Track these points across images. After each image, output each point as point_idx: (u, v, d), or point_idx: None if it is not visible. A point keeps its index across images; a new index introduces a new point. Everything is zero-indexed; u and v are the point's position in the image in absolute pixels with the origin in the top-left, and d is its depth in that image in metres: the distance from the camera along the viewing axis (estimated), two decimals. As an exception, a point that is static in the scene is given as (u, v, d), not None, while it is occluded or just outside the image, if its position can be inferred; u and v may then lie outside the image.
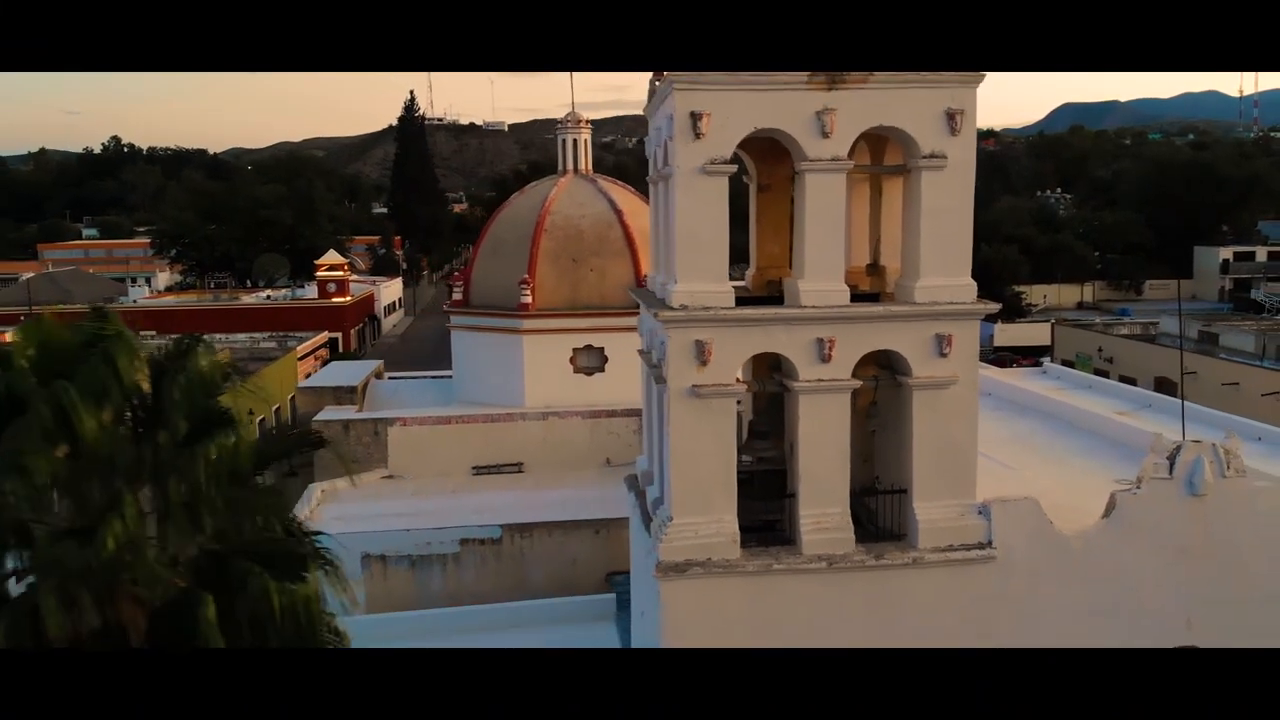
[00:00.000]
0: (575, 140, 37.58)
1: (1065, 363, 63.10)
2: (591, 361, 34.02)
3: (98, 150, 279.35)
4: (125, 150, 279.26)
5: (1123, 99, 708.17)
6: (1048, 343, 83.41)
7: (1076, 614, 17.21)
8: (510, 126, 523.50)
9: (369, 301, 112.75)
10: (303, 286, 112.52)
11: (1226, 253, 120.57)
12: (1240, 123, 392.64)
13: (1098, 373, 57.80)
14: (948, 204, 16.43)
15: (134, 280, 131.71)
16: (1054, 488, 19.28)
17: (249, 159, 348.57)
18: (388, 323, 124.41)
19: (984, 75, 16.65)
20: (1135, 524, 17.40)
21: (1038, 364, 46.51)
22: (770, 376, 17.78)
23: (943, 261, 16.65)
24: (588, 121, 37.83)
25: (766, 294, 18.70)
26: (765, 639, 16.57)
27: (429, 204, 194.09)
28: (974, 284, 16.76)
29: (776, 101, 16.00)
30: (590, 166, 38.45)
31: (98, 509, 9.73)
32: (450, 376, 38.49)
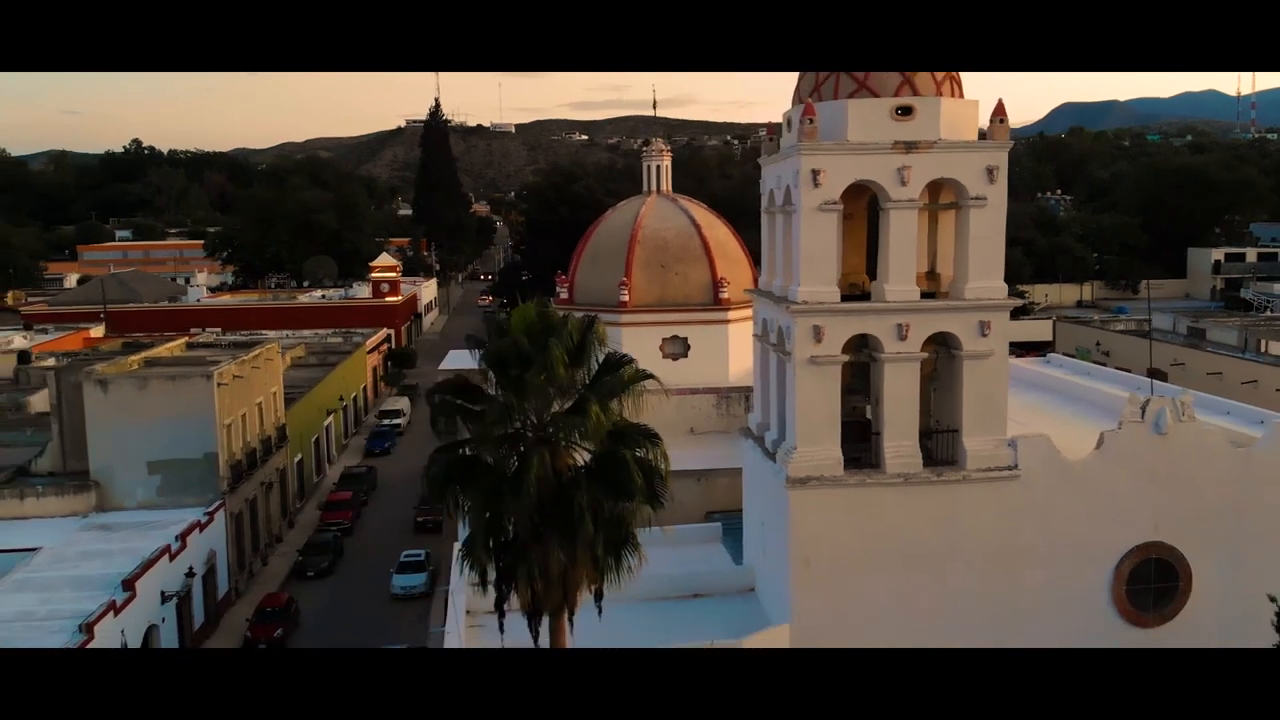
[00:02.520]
0: (658, 166, 45.12)
1: (1066, 355, 70.21)
2: (677, 349, 41.28)
3: (119, 151, 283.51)
4: (146, 152, 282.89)
5: (1122, 99, 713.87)
6: (1049, 338, 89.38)
7: (1075, 516, 24.67)
8: (517, 127, 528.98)
9: (414, 301, 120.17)
10: (350, 287, 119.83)
11: (1218, 254, 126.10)
12: (1238, 123, 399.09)
13: (1095, 364, 64.88)
14: (987, 231, 23.91)
15: (184, 280, 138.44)
16: (1059, 434, 26.64)
17: (256, 159, 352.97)
18: (426, 320, 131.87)
19: (1011, 143, 24.07)
20: (1117, 454, 24.88)
21: (1043, 356, 53.56)
22: (859, 351, 25.16)
23: (983, 270, 24.12)
24: (668, 149, 45.22)
25: (850, 293, 26.04)
26: (859, 533, 24.02)
27: (453, 207, 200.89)
28: (1005, 286, 24.25)
29: (871, 161, 23.45)
30: (670, 187, 45.92)
31: (572, 406, 17.15)
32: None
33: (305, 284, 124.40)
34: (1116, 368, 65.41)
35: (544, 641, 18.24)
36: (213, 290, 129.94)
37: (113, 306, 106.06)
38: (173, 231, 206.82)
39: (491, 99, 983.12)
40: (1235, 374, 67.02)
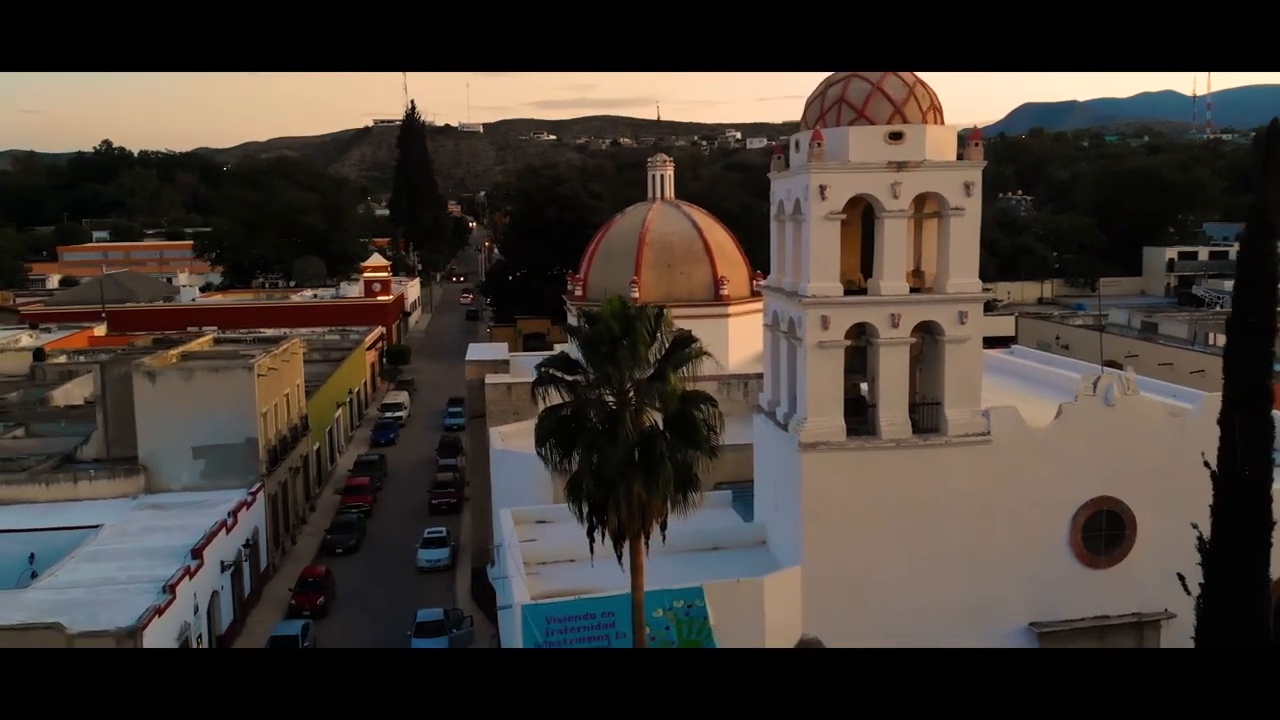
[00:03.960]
0: (662, 175, 49.80)
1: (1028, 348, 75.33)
2: (682, 340, 45.94)
3: (88, 152, 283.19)
4: (117, 153, 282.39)
5: (1082, 99, 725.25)
6: (1013, 333, 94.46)
7: (1039, 475, 29.47)
8: (484, 127, 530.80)
9: (402, 300, 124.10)
10: (338, 286, 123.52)
11: (1172, 252, 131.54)
12: (1194, 124, 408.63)
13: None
14: (964, 236, 28.67)
15: (166, 280, 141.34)
16: (1024, 407, 31.41)
17: (220, 159, 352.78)
18: (412, 319, 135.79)
19: (985, 162, 28.82)
20: (1073, 423, 29.72)
21: (1008, 348, 58.45)
22: (859, 337, 29.81)
23: (961, 268, 28.87)
24: (670, 161, 49.95)
25: (848, 289, 30.63)
26: (859, 490, 28.70)
27: (430, 207, 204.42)
28: (980, 282, 29.01)
29: (868, 178, 28.14)
30: (674, 194, 50.62)
31: (654, 374, 21.76)
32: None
33: (293, 284, 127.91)
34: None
35: (626, 562, 22.80)
36: (202, 291, 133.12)
37: (111, 306, 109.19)
38: (150, 232, 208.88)
39: (458, 98, 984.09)
40: (1185, 365, 72.25)
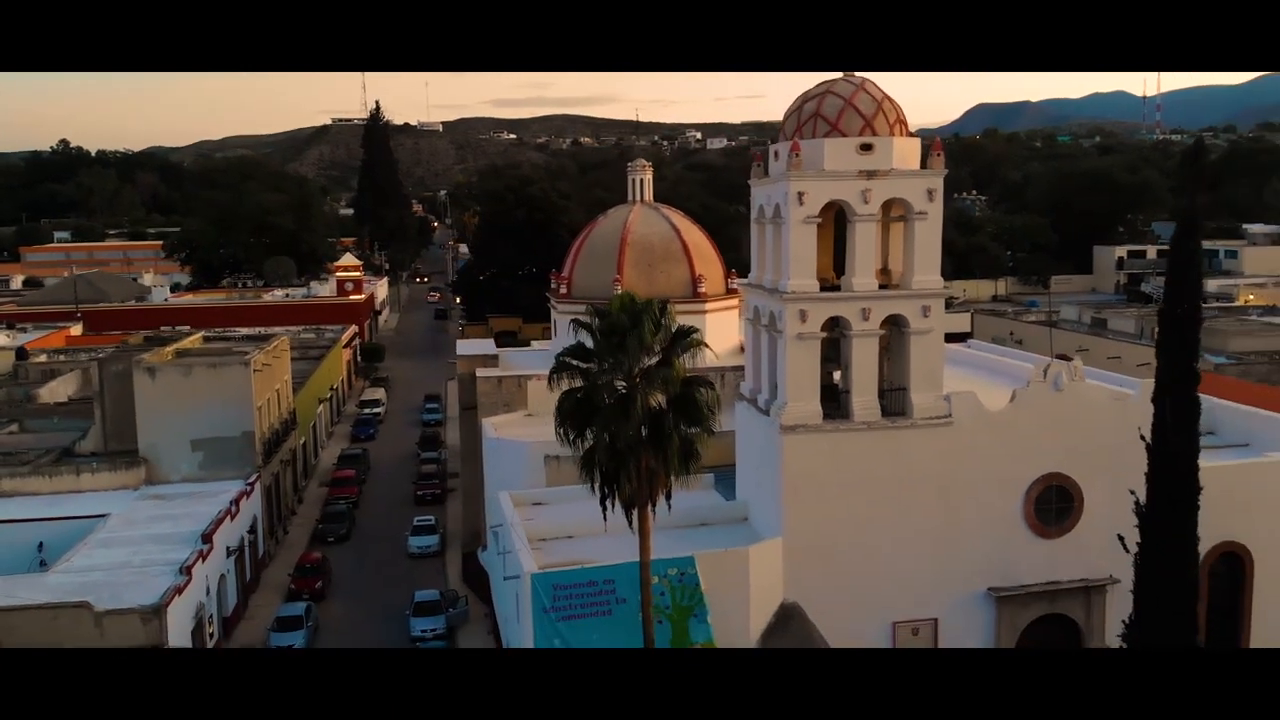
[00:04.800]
0: (641, 180, 52.67)
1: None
2: (661, 335, 48.84)
3: (45, 151, 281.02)
4: (74, 153, 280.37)
5: (1034, 99, 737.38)
6: (968, 329, 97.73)
7: (995, 453, 32.55)
8: (444, 125, 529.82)
9: (372, 299, 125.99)
10: (309, 286, 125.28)
11: (1121, 251, 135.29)
12: (1144, 124, 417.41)
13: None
14: (927, 238, 31.70)
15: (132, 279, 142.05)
16: (982, 393, 34.46)
17: (174, 158, 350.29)
18: (382, 318, 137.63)
19: (946, 171, 31.83)
20: (1026, 405, 32.84)
21: (964, 343, 61.71)
22: (833, 329, 32.72)
23: (925, 267, 31.89)
24: (649, 165, 52.87)
25: (822, 285, 33.56)
26: (834, 468, 31.61)
27: (395, 207, 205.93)
28: (942, 279, 32.03)
29: (842, 186, 31.08)
30: (652, 197, 53.49)
31: (661, 359, 24.54)
32: (550, 349, 53.20)
33: (264, 284, 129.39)
34: (1028, 353, 73.84)
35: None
36: (172, 291, 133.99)
37: (86, 306, 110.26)
38: (112, 233, 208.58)
39: (417, 96, 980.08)
40: (1133, 358, 75.65)
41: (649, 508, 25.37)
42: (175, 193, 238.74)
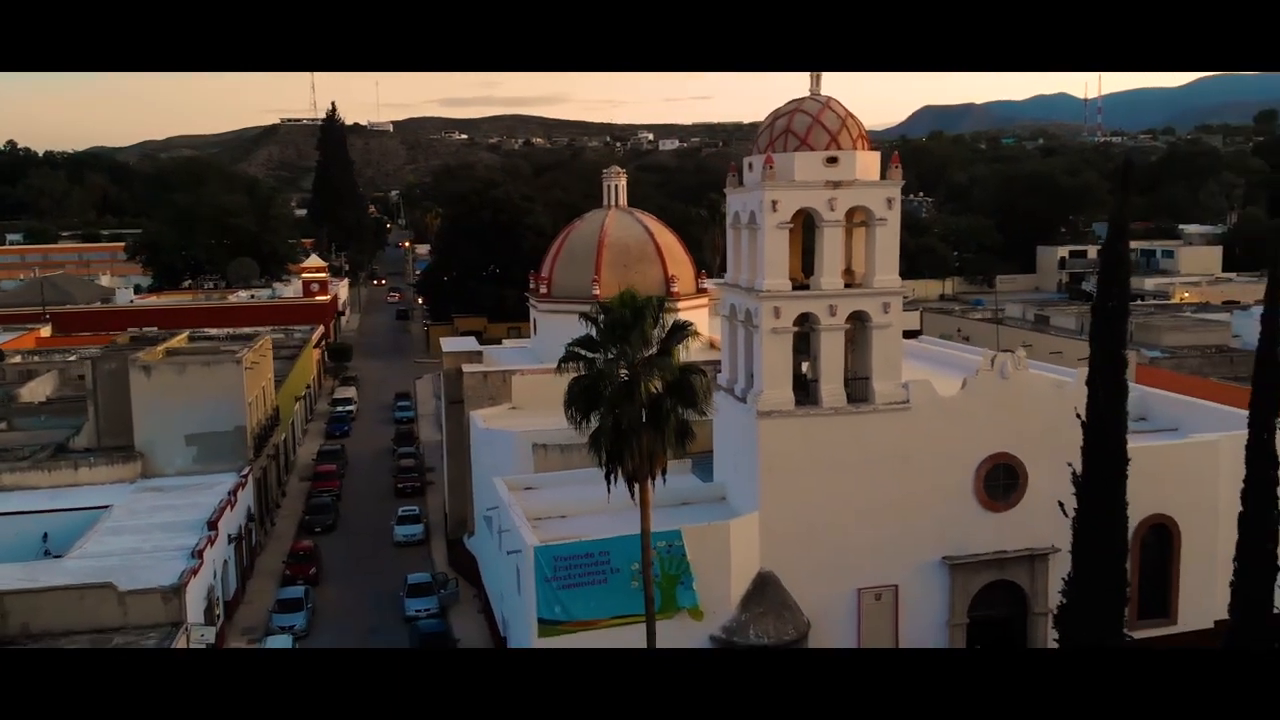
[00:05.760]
0: (616, 185, 55.94)
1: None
2: (636, 332, 52.08)
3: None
4: (22, 154, 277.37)
5: (979, 101, 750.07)
6: (918, 327, 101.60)
7: (949, 434, 36.11)
8: (394, 125, 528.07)
9: (336, 300, 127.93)
10: (272, 287, 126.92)
11: (1063, 251, 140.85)
12: (1086, 126, 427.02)
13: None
14: (887, 242, 35.24)
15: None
16: (936, 382, 37.98)
17: (119, 158, 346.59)
18: (344, 320, 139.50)
19: (904, 181, 35.34)
20: (975, 392, 36.47)
21: (915, 338, 65.40)
22: (803, 324, 36.09)
23: (885, 268, 35.40)
24: (623, 172, 56.26)
25: (794, 285, 36.89)
26: (805, 450, 34.97)
27: (352, 208, 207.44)
28: (900, 279, 35.57)
29: (811, 195, 34.49)
30: (626, 202, 56.72)
31: (660, 350, 27.73)
32: (529, 346, 56.10)
33: (226, 285, 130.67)
34: (975, 348, 77.57)
35: (638, 498, 28.79)
36: (137, 292, 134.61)
37: (52, 308, 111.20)
38: (65, 234, 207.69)
39: (366, 96, 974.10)
40: (1074, 353, 79.53)
41: (649, 482, 28.56)
42: (125, 194, 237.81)
